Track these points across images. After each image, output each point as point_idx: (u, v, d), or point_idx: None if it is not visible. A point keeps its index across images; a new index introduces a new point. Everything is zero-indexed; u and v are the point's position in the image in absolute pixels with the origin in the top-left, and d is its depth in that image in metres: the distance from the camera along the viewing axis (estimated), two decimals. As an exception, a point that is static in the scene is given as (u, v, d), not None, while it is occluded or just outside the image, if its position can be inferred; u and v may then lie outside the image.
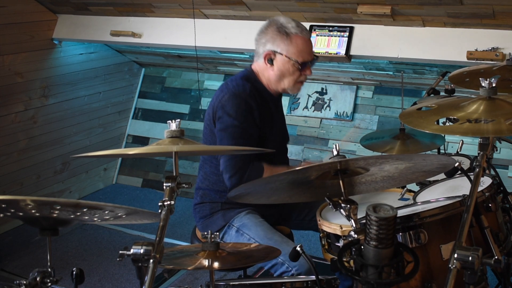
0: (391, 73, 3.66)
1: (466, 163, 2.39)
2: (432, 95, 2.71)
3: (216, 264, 1.61)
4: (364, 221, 1.29)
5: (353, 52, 3.06)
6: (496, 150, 2.21)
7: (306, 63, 2.22)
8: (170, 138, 1.48)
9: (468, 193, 1.35)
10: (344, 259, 1.35)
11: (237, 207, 2.29)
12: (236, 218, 2.28)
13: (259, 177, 2.13)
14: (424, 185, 2.07)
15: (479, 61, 2.72)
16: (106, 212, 1.38)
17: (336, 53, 3.07)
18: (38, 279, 1.38)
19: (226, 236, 2.29)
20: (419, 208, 1.70)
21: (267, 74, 2.26)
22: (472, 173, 1.40)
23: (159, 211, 1.36)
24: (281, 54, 2.20)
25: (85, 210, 1.34)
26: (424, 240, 1.52)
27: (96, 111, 4.49)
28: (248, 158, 2.16)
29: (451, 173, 1.70)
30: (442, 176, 1.88)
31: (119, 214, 1.43)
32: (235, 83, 2.23)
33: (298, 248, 1.72)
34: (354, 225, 1.46)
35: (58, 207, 1.29)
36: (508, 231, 1.72)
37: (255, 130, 2.21)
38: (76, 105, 4.27)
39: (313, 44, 2.32)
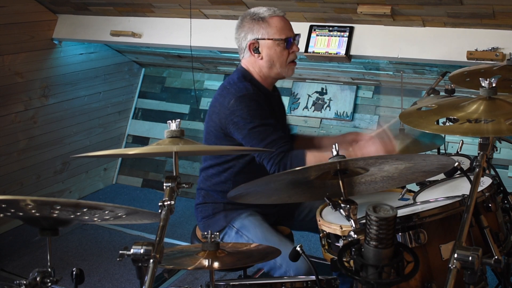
0: (391, 73, 3.66)
1: (466, 163, 2.38)
2: (432, 95, 2.71)
3: (216, 264, 1.61)
4: (364, 221, 1.29)
5: (353, 52, 3.06)
6: (496, 150, 2.22)
7: (290, 39, 2.21)
8: (170, 138, 1.48)
9: (468, 193, 1.35)
10: (344, 259, 1.35)
11: (239, 208, 2.29)
12: (237, 220, 2.27)
13: (303, 161, 2.05)
14: (424, 185, 2.07)
15: (479, 61, 2.72)
16: (106, 212, 1.38)
17: (336, 53, 3.07)
18: (38, 279, 1.38)
19: (226, 237, 2.28)
20: (418, 208, 1.70)
21: (257, 66, 2.24)
22: (472, 173, 1.40)
23: (159, 211, 1.35)
24: (264, 39, 2.19)
25: (85, 210, 1.34)
26: (424, 240, 1.52)
27: (96, 111, 4.49)
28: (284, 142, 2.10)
29: (450, 173, 1.71)
30: (442, 176, 1.88)
31: (119, 214, 1.43)
32: (236, 86, 2.19)
33: (298, 248, 1.72)
34: (354, 225, 1.46)
35: (58, 207, 1.29)
36: (508, 231, 1.72)
37: (272, 119, 2.16)
38: (76, 105, 4.27)
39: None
